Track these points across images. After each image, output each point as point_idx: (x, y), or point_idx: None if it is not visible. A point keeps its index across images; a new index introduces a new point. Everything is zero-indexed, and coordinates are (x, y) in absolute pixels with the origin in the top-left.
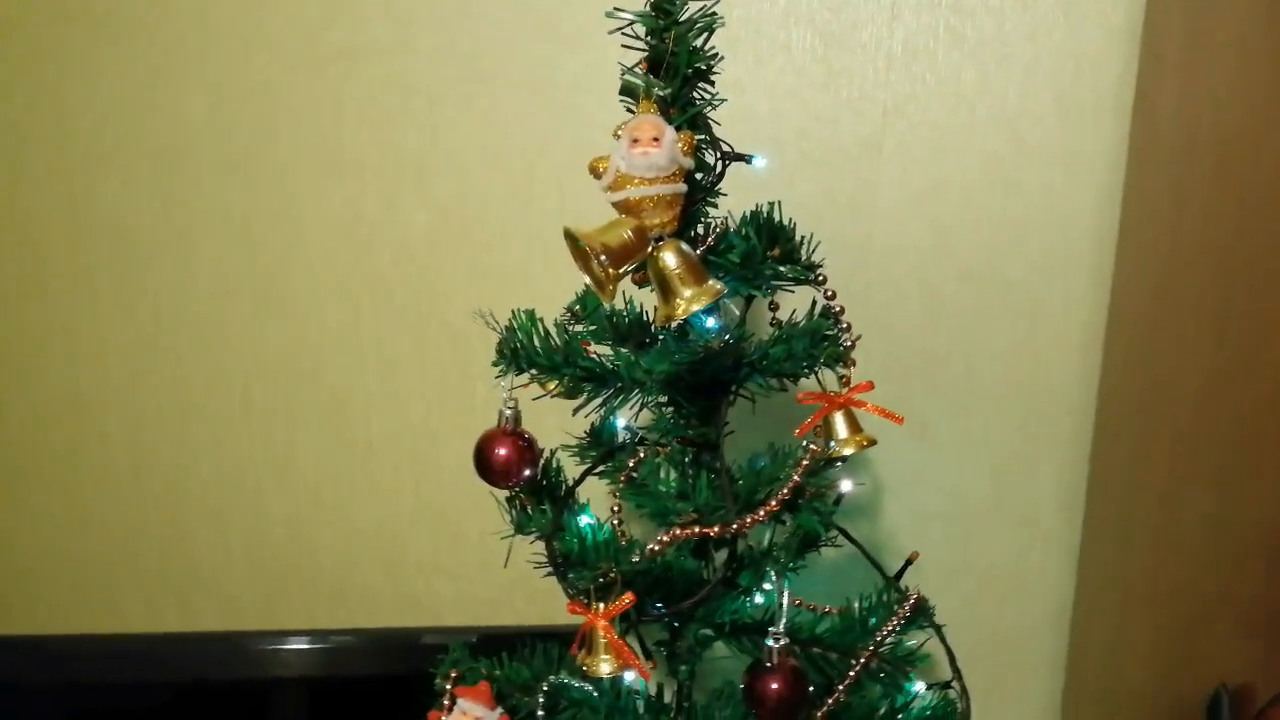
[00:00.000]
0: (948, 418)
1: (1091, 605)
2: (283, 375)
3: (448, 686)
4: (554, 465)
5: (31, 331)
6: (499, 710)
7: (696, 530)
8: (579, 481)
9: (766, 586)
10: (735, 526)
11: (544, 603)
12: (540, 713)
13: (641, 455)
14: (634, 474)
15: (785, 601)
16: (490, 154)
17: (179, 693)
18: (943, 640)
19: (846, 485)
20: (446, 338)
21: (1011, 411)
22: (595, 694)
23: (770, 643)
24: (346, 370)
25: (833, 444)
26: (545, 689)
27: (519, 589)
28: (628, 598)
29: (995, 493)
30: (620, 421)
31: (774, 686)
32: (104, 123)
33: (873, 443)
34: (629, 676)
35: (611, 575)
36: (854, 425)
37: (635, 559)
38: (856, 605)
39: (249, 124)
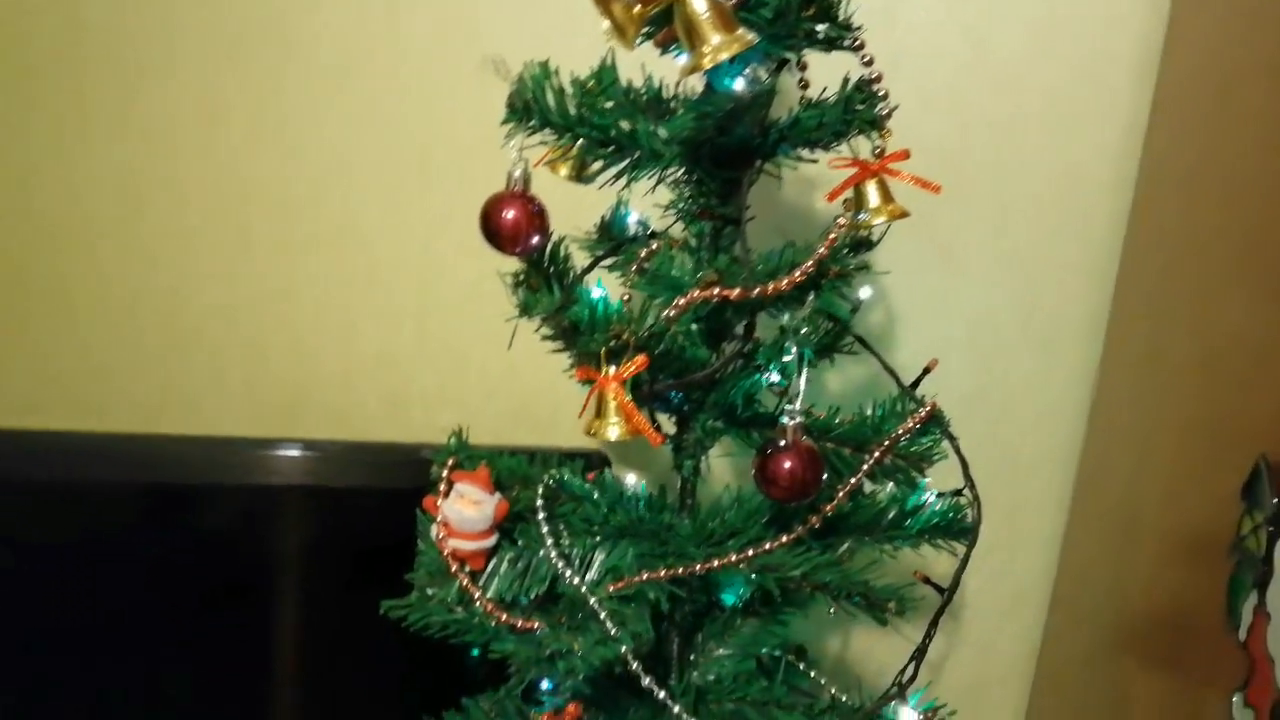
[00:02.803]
0: (975, 239)
1: (1110, 430)
2: (281, 202)
3: (444, 474)
4: (562, 251)
5: (21, 158)
6: (497, 496)
7: (716, 292)
8: (588, 269)
9: (784, 362)
10: (757, 291)
11: (546, 432)
12: (539, 503)
13: (654, 246)
14: (646, 265)
15: (804, 379)
16: None
17: (164, 496)
18: (956, 450)
19: (865, 291)
20: (451, 160)
21: (1042, 230)
22: (595, 492)
23: (785, 420)
24: (347, 197)
25: (863, 214)
26: (546, 481)
27: (523, 419)
28: (640, 359)
29: (1020, 318)
30: (632, 215)
31: (788, 465)
32: None
33: (905, 214)
34: (630, 479)
35: (625, 337)
36: (886, 195)
37: (650, 324)
38: (870, 410)
39: None
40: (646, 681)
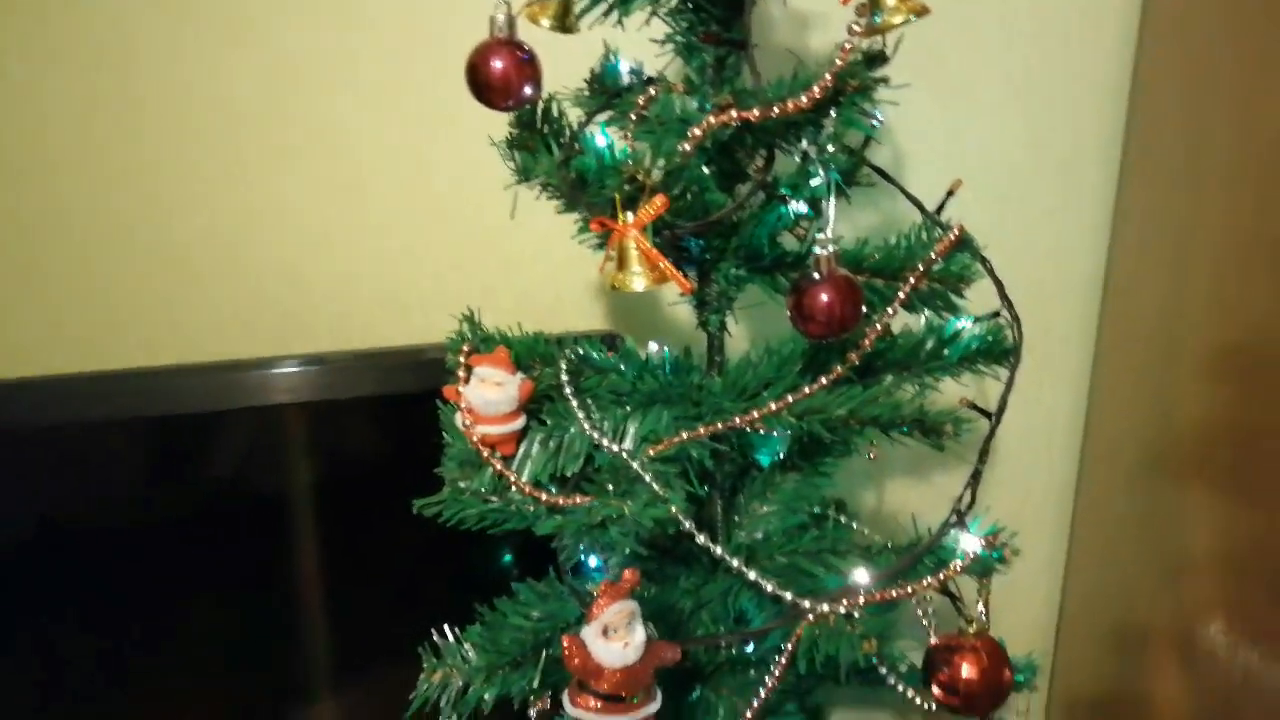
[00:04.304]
0: (981, 67)
1: (1141, 250)
2: (261, 113)
3: (461, 360)
4: (555, 110)
5: None
6: (520, 375)
7: (734, 115)
8: (585, 123)
9: (810, 188)
10: (776, 110)
11: (550, 324)
12: (564, 378)
13: (653, 92)
14: (645, 113)
15: (833, 206)
16: None
17: (168, 426)
18: (990, 272)
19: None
20: (435, 61)
21: (1050, 49)
22: (620, 362)
23: (818, 250)
24: (330, 104)
25: (879, 17)
26: (568, 355)
27: (526, 312)
28: (659, 200)
29: (1034, 145)
30: (623, 64)
31: (824, 299)
32: None
33: (926, 11)
34: (652, 347)
35: (640, 178)
36: None
37: (664, 161)
38: (897, 239)
39: None
40: (701, 539)
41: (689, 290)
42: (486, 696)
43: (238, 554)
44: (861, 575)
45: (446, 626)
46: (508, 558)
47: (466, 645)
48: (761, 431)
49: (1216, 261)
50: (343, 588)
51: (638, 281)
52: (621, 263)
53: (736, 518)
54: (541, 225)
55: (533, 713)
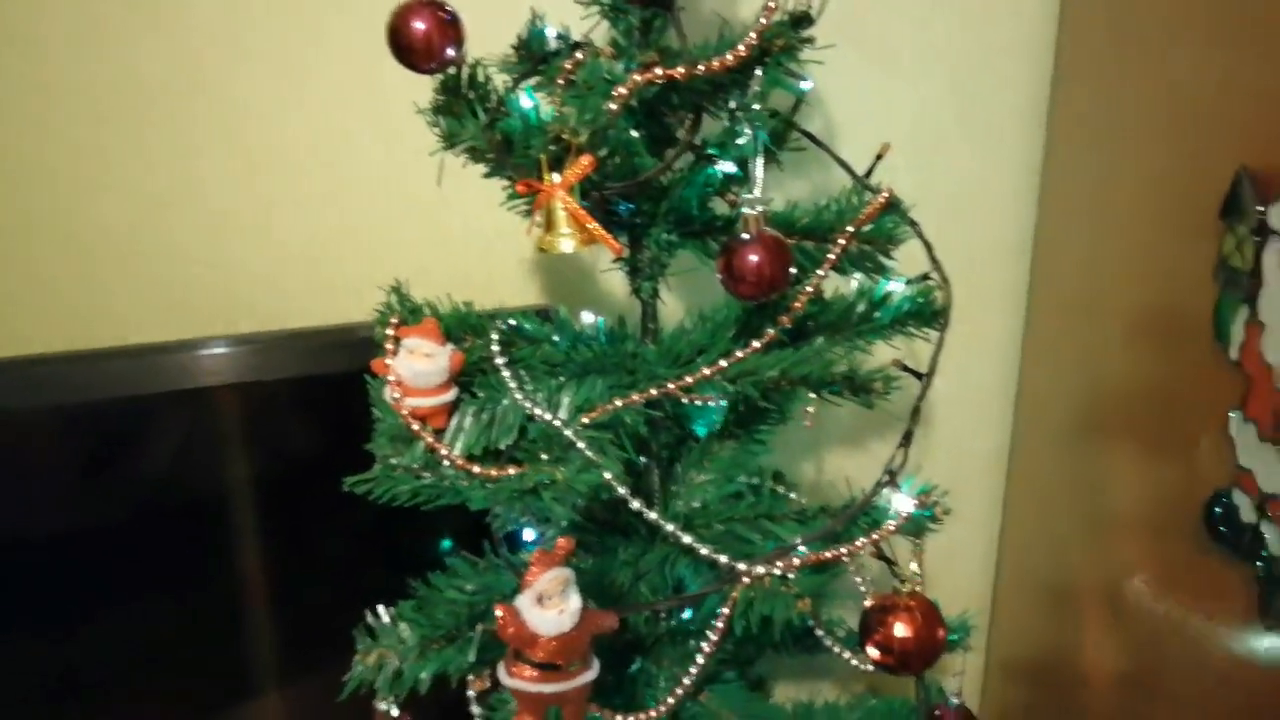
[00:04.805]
0: (907, 32)
1: (1064, 213)
2: (172, 91)
3: (389, 331)
4: (481, 76)
5: None
6: (450, 347)
7: (659, 73)
8: (512, 88)
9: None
10: (701, 68)
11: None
12: (496, 349)
13: (580, 57)
14: (573, 77)
15: (761, 166)
16: None
17: (95, 413)
18: (919, 234)
19: (807, 84)
20: (351, 26)
21: (974, 16)
22: (553, 332)
23: (747, 211)
24: (243, 76)
25: None
26: (500, 326)
27: (459, 289)
28: (586, 160)
29: (959, 110)
30: (549, 29)
31: (754, 259)
32: None
33: None
34: (586, 317)
35: (566, 138)
36: None
37: (590, 119)
38: (827, 203)
39: None
40: (636, 504)
41: (619, 251)
42: (423, 675)
43: (170, 541)
44: (797, 539)
45: (381, 607)
46: (447, 541)
47: (403, 625)
48: (697, 403)
49: (1132, 224)
50: (280, 571)
51: (566, 243)
52: (549, 224)
53: (674, 487)
54: (473, 203)
55: (471, 693)
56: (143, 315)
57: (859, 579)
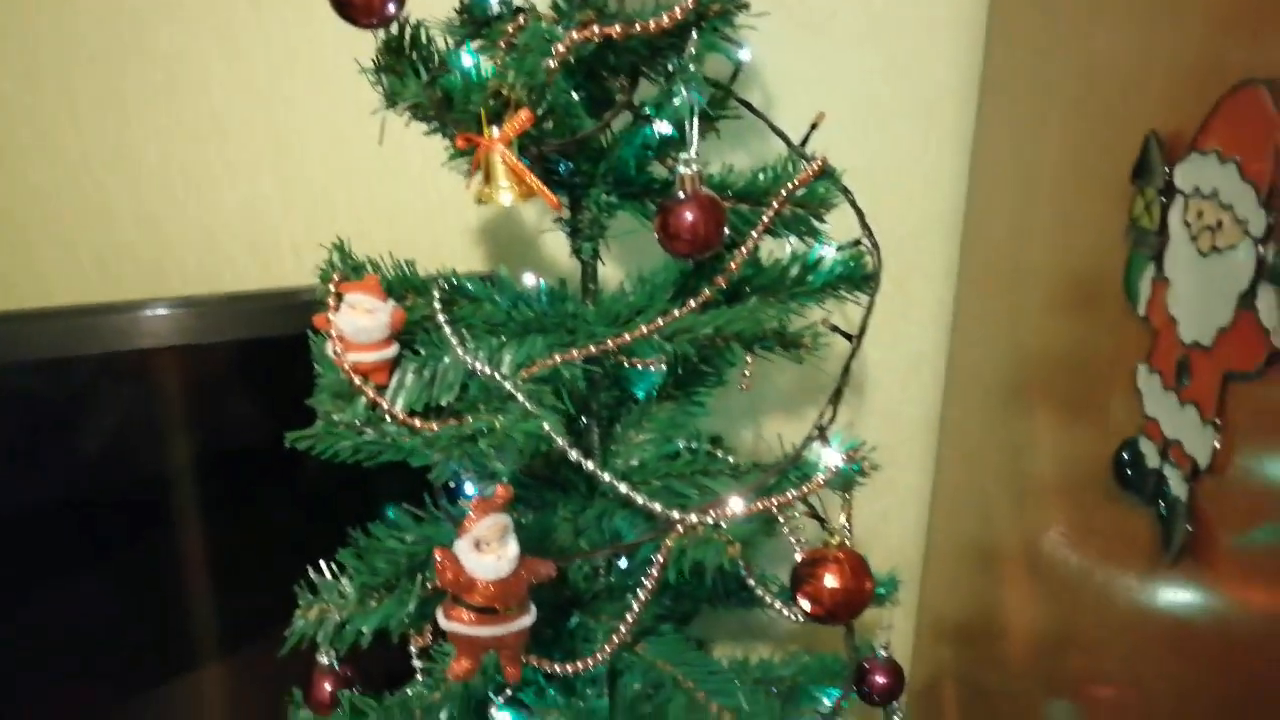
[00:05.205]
0: (843, 2)
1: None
2: (103, 52)
3: (331, 288)
4: (423, 37)
5: None
6: (391, 303)
7: (596, 31)
8: (454, 49)
9: (674, 108)
10: (638, 27)
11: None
12: (437, 306)
13: (522, 21)
14: (515, 40)
15: (696, 127)
16: None
17: (32, 373)
18: (851, 202)
19: (745, 54)
20: None
21: None
22: (494, 292)
23: (682, 169)
24: (178, 34)
25: None
26: (442, 284)
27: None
28: (524, 114)
29: (895, 82)
30: None
31: (689, 217)
32: None
33: None
34: (528, 278)
35: (504, 93)
36: None
37: (529, 75)
38: (762, 169)
39: None
40: (574, 455)
41: (556, 205)
42: (364, 629)
43: (108, 507)
44: (730, 492)
45: (323, 562)
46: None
47: (343, 580)
48: (638, 367)
49: (1055, 192)
50: (221, 536)
51: (504, 195)
52: (488, 177)
53: (614, 446)
54: (417, 168)
55: (413, 648)
56: (71, 277)
57: (793, 539)
